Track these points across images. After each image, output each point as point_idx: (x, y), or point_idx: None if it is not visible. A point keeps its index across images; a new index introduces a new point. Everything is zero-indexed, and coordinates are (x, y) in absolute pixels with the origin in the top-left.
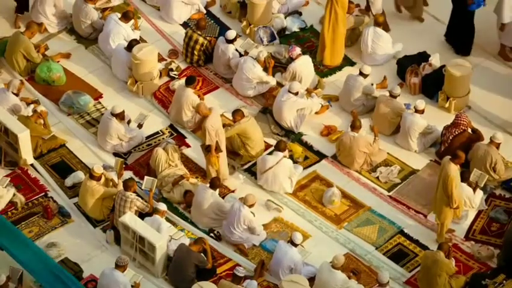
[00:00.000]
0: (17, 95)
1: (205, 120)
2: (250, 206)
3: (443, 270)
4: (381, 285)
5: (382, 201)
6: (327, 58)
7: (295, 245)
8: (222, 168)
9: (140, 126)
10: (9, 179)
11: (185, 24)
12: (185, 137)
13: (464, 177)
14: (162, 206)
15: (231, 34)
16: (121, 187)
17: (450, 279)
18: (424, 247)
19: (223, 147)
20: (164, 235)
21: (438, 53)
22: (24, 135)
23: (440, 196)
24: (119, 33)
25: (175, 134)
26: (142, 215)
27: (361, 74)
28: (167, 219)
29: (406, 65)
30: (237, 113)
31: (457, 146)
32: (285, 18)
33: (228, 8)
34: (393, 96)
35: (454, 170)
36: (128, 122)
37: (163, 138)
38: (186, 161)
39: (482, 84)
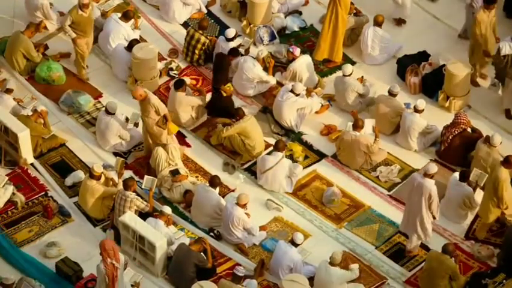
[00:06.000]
0: (10, 91)
1: (149, 99)
2: (243, 205)
3: (447, 273)
4: (426, 174)
5: (382, 200)
6: (324, 54)
7: (296, 245)
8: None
9: (136, 125)
10: (7, 178)
11: (185, 24)
12: (185, 137)
13: (464, 177)
14: (167, 210)
15: (231, 32)
16: (121, 186)
17: (451, 281)
18: (424, 246)
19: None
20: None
21: (438, 52)
22: (24, 135)
23: (489, 197)
24: (119, 32)
25: (175, 134)
26: (142, 214)
27: (343, 75)
28: None
29: (406, 64)
30: (237, 112)
31: (457, 146)
32: (285, 17)
33: (228, 7)
34: (392, 94)
35: (505, 173)
36: (126, 120)
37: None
38: (186, 160)
39: (482, 83)
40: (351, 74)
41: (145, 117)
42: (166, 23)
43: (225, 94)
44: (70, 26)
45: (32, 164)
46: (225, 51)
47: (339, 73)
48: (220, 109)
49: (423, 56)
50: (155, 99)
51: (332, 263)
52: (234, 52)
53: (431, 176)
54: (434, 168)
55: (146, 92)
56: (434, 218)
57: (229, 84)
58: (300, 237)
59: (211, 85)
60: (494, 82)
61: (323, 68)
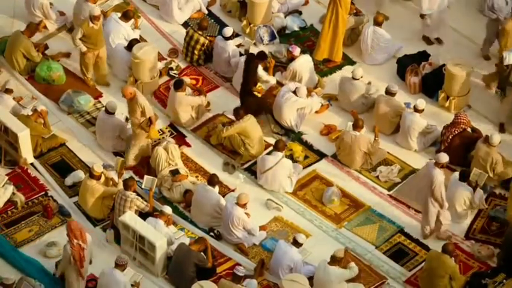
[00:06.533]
0: (10, 91)
1: (137, 99)
2: (243, 205)
3: (447, 273)
4: (436, 163)
5: (382, 200)
6: (324, 54)
7: (299, 245)
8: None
9: None
10: (7, 178)
11: (185, 24)
12: (185, 136)
13: (464, 177)
14: (167, 210)
15: (228, 31)
16: (121, 186)
17: (451, 281)
18: (424, 246)
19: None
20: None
21: (438, 52)
22: (24, 135)
23: None
24: (119, 32)
25: (175, 133)
26: (142, 214)
27: (353, 78)
28: None
29: (406, 64)
30: (237, 112)
31: (457, 146)
32: (285, 17)
33: (228, 7)
34: (390, 93)
35: None
36: (126, 120)
37: (163, 138)
38: (186, 160)
39: (482, 83)
40: (360, 78)
41: (131, 117)
42: (166, 23)
43: (259, 95)
44: (80, 39)
45: (32, 164)
46: (223, 50)
47: (341, 73)
48: (258, 110)
49: (423, 56)
50: (143, 100)
51: (333, 260)
52: (262, 56)
53: (441, 166)
54: (444, 157)
55: (136, 91)
56: (441, 206)
57: (259, 84)
58: (302, 236)
59: (241, 89)
60: (496, 91)
61: (323, 67)
